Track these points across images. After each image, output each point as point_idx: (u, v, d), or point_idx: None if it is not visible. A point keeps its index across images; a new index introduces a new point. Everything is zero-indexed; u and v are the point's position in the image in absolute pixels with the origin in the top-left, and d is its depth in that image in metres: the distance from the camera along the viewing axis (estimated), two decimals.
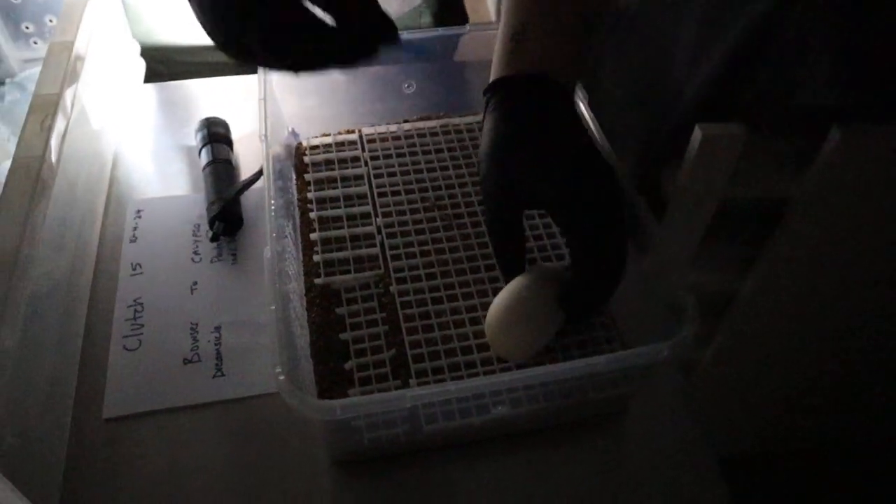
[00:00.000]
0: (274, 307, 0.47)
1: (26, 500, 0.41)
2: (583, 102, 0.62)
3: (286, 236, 0.57)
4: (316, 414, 0.43)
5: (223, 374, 0.57)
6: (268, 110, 0.60)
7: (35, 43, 0.81)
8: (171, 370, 0.57)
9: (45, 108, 0.55)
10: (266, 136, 0.58)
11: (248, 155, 0.75)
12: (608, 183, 0.49)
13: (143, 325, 0.60)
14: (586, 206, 0.48)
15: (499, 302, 0.52)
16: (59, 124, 0.56)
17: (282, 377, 0.43)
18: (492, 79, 0.54)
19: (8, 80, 0.81)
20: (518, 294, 0.52)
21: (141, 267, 0.64)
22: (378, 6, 0.44)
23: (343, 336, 0.55)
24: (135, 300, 0.61)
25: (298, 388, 0.43)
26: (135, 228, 0.67)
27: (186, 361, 0.57)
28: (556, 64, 0.52)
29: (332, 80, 0.71)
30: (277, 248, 0.51)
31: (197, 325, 0.60)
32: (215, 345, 0.58)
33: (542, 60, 0.52)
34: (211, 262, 0.64)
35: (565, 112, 0.52)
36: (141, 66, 0.84)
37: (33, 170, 0.51)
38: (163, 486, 0.51)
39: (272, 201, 0.54)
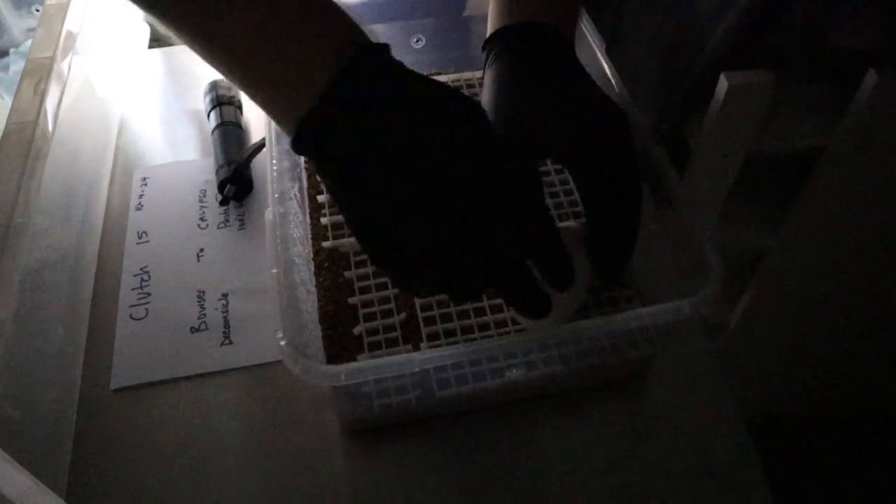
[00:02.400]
0: (276, 271, 0.45)
1: (25, 472, 0.40)
2: (600, 51, 0.59)
3: (291, 198, 0.55)
4: (319, 380, 0.41)
5: (231, 342, 0.55)
6: None
7: (37, 11, 0.79)
8: (179, 339, 0.56)
9: (38, 72, 0.53)
10: None
11: (259, 118, 0.72)
12: (620, 125, 0.46)
13: (149, 294, 0.58)
14: (600, 148, 0.45)
15: None
16: (55, 88, 0.54)
17: (283, 342, 0.41)
18: (489, 32, 0.51)
19: (12, 51, 0.79)
20: None
21: (147, 235, 0.62)
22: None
23: (352, 300, 0.54)
24: (141, 269, 0.60)
25: (301, 354, 0.41)
26: (140, 196, 0.65)
27: (194, 330, 0.56)
28: (556, 14, 0.49)
29: None
30: (280, 210, 0.49)
31: (204, 292, 0.58)
32: (223, 312, 0.57)
33: (540, 11, 0.49)
34: (218, 227, 0.63)
35: (569, 59, 0.49)
36: (145, 31, 0.82)
37: (26, 135, 0.49)
38: (173, 455, 0.50)
39: (275, 163, 0.52)
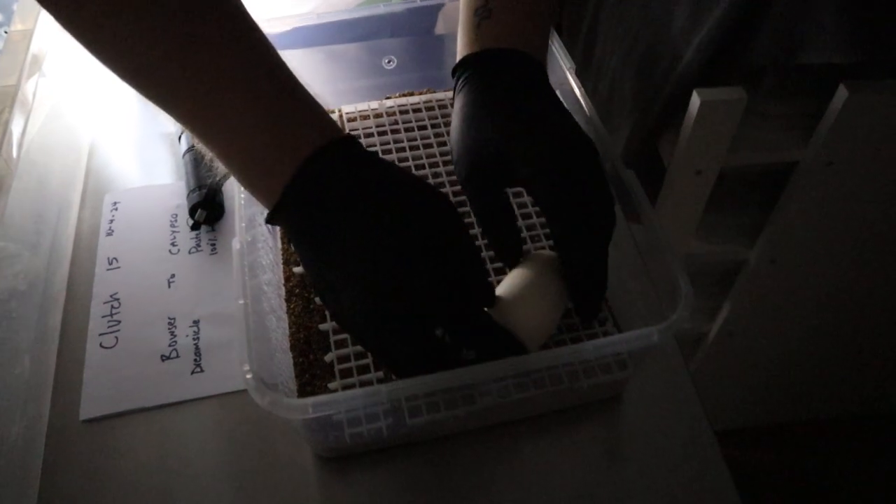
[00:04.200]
0: (242, 301, 0.44)
1: None
2: (570, 73, 0.59)
3: (261, 223, 0.55)
4: (287, 413, 0.40)
5: (202, 370, 0.55)
6: None
7: (6, 33, 0.79)
8: (149, 368, 0.55)
9: (2, 101, 0.53)
10: None
11: None
12: (588, 152, 0.46)
13: (119, 322, 0.58)
14: (569, 179, 0.45)
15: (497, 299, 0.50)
16: (19, 116, 0.53)
17: (249, 375, 0.40)
18: (458, 58, 0.51)
19: None
20: (518, 289, 0.49)
21: (117, 261, 0.62)
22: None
23: (323, 326, 0.53)
24: (111, 296, 0.59)
25: (267, 386, 0.40)
26: (111, 221, 0.65)
27: (164, 358, 0.55)
28: (525, 38, 0.49)
29: (310, 60, 0.68)
30: (248, 238, 0.49)
31: (174, 319, 0.58)
32: (193, 339, 0.56)
33: (509, 36, 0.49)
34: (189, 252, 0.62)
35: (539, 84, 0.49)
36: None
37: None
38: (145, 488, 0.49)
39: (242, 189, 0.52)
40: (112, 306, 0.59)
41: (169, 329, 0.57)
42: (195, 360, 0.55)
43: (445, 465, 0.50)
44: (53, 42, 0.64)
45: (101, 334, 0.57)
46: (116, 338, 0.57)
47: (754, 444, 1.23)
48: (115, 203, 0.66)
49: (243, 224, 0.49)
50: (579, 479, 0.49)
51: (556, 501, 0.49)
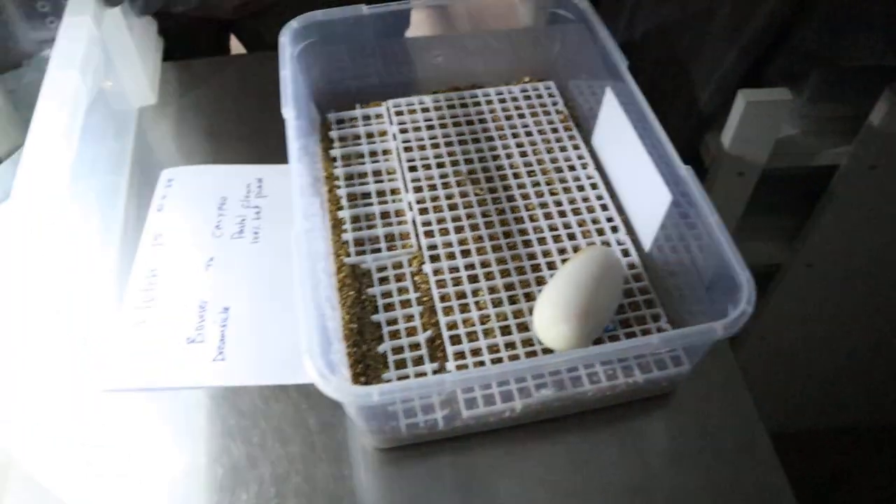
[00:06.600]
0: (302, 288, 0.44)
1: None
2: (622, 65, 0.59)
3: (314, 214, 0.55)
4: (351, 399, 0.40)
5: (223, 359, 0.54)
6: (291, 85, 0.57)
7: (52, 22, 0.79)
8: (174, 348, 0.54)
9: (56, 89, 0.53)
10: (289, 110, 0.55)
11: None
12: None
13: (153, 299, 0.57)
14: None
15: (552, 293, 0.50)
16: (71, 104, 0.54)
17: (312, 361, 0.40)
18: None
19: (25, 62, 0.79)
20: (572, 283, 0.50)
21: (162, 237, 0.61)
22: None
23: (375, 317, 0.53)
24: (150, 271, 0.59)
25: (330, 374, 0.40)
26: (163, 198, 0.65)
27: (190, 341, 0.55)
28: None
29: (358, 54, 0.68)
30: (307, 225, 0.49)
31: (206, 303, 0.57)
32: (221, 326, 0.56)
33: None
34: (231, 238, 0.62)
35: None
36: (159, 43, 0.82)
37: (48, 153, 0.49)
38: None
39: (298, 178, 0.52)
40: (150, 281, 0.59)
41: (199, 312, 0.57)
42: (219, 347, 0.55)
43: (499, 457, 0.50)
44: (103, 34, 0.64)
45: (135, 308, 0.57)
46: (148, 313, 0.56)
47: (790, 450, 1.21)
48: (170, 180, 0.66)
49: (302, 211, 0.49)
50: (634, 474, 0.49)
51: (610, 496, 0.48)
